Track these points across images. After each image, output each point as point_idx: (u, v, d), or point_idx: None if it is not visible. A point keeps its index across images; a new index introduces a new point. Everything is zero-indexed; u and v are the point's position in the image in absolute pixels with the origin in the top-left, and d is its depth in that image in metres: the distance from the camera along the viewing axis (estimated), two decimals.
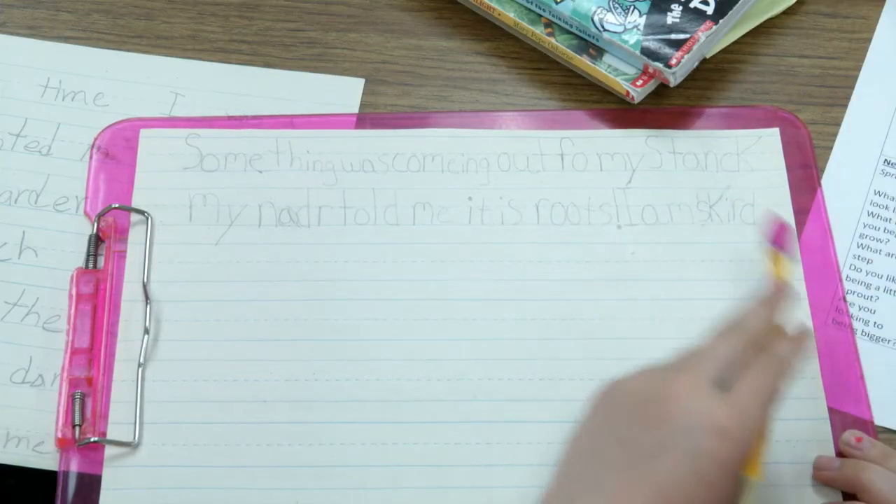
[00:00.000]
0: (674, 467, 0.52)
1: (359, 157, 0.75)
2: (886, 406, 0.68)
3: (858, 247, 0.73)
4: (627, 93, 0.76)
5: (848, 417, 0.67)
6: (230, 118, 0.77)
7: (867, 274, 0.72)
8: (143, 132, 0.76)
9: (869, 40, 0.80)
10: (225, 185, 0.74)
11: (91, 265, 0.71)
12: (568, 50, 0.77)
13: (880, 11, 0.82)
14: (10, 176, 0.75)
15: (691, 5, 0.76)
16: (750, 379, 0.56)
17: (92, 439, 0.66)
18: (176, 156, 0.75)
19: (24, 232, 0.73)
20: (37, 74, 0.79)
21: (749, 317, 0.60)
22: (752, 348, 0.57)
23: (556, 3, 0.77)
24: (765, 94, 0.79)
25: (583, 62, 0.77)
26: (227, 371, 0.68)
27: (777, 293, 0.62)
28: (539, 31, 0.78)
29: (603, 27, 0.76)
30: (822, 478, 0.65)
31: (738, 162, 0.75)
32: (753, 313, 0.60)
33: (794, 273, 0.67)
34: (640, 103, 0.76)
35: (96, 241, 0.72)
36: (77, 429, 0.66)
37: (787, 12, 0.81)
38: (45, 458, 0.66)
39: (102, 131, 0.76)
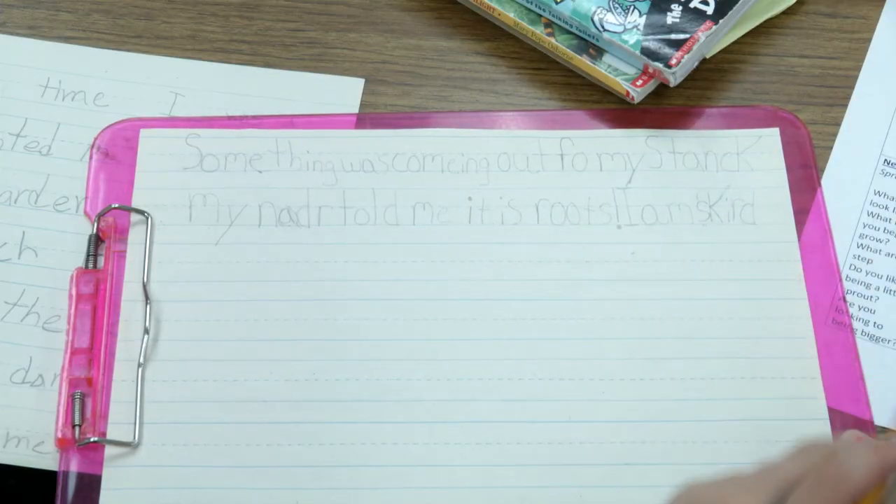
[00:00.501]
0: None
1: (359, 157, 0.75)
2: (886, 406, 0.68)
3: (858, 247, 0.73)
4: (627, 93, 0.76)
5: (848, 417, 0.67)
6: (230, 118, 0.77)
7: (867, 274, 0.72)
8: (143, 132, 0.76)
9: (869, 40, 0.80)
10: (225, 185, 0.74)
11: (91, 265, 0.71)
12: (568, 50, 0.77)
13: (880, 11, 0.81)
14: (10, 176, 0.75)
15: (691, 5, 0.76)
16: (799, 499, 0.52)
17: (92, 439, 0.66)
18: (176, 156, 0.75)
19: (24, 232, 0.73)
20: (37, 74, 0.79)
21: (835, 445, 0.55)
22: (818, 464, 0.53)
23: (556, 3, 0.77)
24: (765, 94, 0.79)
25: (583, 62, 0.77)
26: (227, 371, 0.68)
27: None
28: (539, 31, 0.78)
29: (603, 27, 0.76)
30: None
31: (738, 162, 0.75)
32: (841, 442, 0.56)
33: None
34: (640, 103, 0.76)
35: (96, 241, 0.72)
36: (77, 429, 0.66)
37: (787, 12, 0.81)
38: (45, 458, 0.66)
39: (102, 131, 0.76)
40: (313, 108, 0.78)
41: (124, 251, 0.72)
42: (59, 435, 0.66)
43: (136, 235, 0.72)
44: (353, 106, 0.78)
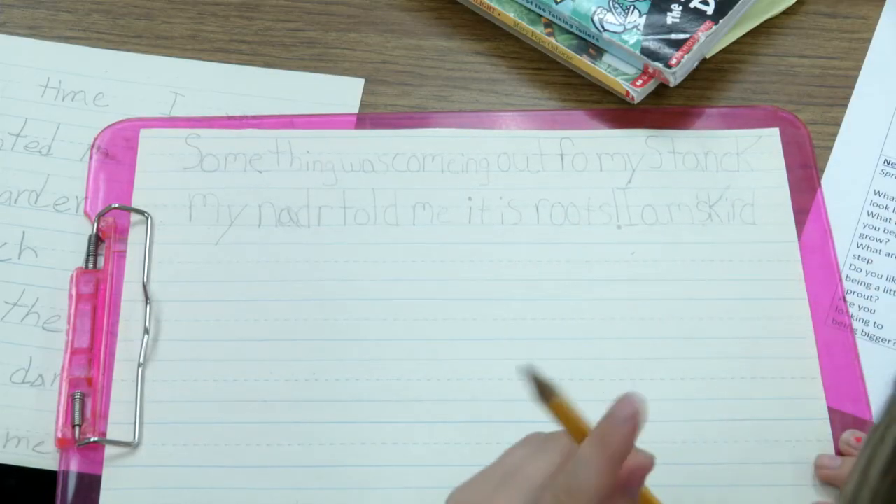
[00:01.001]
0: None
1: (359, 157, 0.75)
2: None
3: (858, 247, 0.73)
4: (627, 93, 0.76)
5: (848, 417, 0.67)
6: (230, 118, 0.77)
7: (867, 274, 0.72)
8: (143, 132, 0.76)
9: (869, 40, 0.80)
10: (225, 185, 0.74)
11: (91, 265, 0.71)
12: (568, 50, 0.77)
13: (880, 11, 0.81)
14: (10, 176, 0.75)
15: (691, 5, 0.76)
16: None
17: (92, 439, 0.66)
18: (176, 156, 0.75)
19: (24, 232, 0.73)
20: (37, 74, 0.79)
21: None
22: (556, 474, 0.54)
23: (556, 3, 0.77)
24: (765, 94, 0.79)
25: (583, 62, 0.77)
26: (227, 371, 0.68)
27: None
28: (539, 31, 0.78)
29: (603, 27, 0.76)
30: (823, 476, 0.65)
31: (738, 162, 0.75)
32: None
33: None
34: (640, 103, 0.76)
35: (96, 241, 0.72)
36: (77, 429, 0.66)
37: (787, 12, 0.81)
38: (45, 458, 0.66)
39: (102, 131, 0.76)
40: (313, 108, 0.78)
41: (124, 251, 0.72)
42: (59, 435, 0.66)
43: (136, 235, 0.72)
44: (353, 106, 0.78)
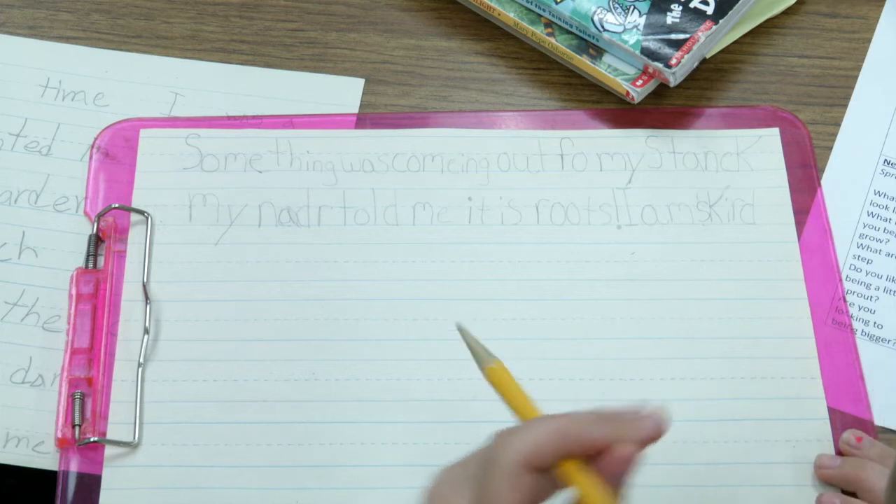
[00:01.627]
0: None
1: (359, 157, 0.75)
2: (886, 406, 0.68)
3: (858, 247, 0.73)
4: (627, 93, 0.76)
5: (848, 417, 0.67)
6: (230, 118, 0.77)
7: (867, 274, 0.72)
8: (143, 132, 0.76)
9: (869, 40, 0.80)
10: (225, 185, 0.74)
11: (91, 265, 0.71)
12: (568, 50, 0.77)
13: (880, 11, 0.82)
14: (10, 176, 0.75)
15: (691, 5, 0.76)
16: None
17: (92, 439, 0.66)
18: (176, 156, 0.75)
19: (24, 232, 0.73)
20: (37, 74, 0.79)
21: None
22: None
23: (556, 3, 0.77)
24: (765, 94, 0.79)
25: (583, 62, 0.77)
26: (227, 371, 0.68)
27: None
28: (539, 31, 0.78)
29: (603, 27, 0.76)
30: (822, 475, 0.65)
31: (738, 162, 0.75)
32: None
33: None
34: (640, 103, 0.76)
35: (96, 241, 0.72)
36: (77, 429, 0.66)
37: (787, 12, 0.81)
38: (45, 458, 0.66)
39: (102, 131, 0.76)
40: (313, 108, 0.78)
41: (124, 251, 0.72)
42: (59, 435, 0.66)
43: (136, 235, 0.73)
44: (353, 106, 0.78)
